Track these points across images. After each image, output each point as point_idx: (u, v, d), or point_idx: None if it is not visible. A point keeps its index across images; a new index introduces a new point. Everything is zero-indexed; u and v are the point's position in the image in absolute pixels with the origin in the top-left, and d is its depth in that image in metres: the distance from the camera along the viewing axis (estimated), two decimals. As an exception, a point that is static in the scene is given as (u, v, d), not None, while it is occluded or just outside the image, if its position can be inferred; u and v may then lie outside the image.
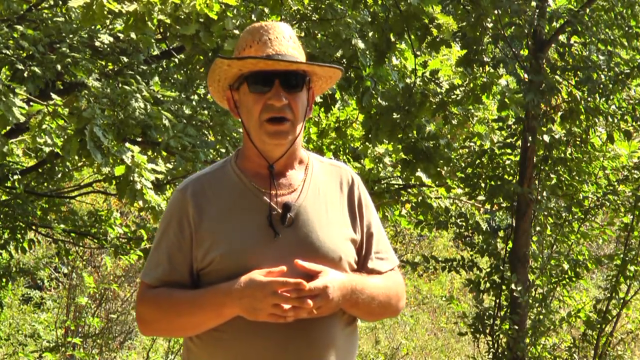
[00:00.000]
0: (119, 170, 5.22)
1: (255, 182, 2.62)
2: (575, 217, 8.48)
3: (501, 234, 8.58)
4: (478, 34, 7.55)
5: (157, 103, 5.84)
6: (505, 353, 8.11)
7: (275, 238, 2.55)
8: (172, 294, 2.57)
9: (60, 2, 6.84)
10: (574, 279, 8.39)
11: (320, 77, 2.70)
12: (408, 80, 7.99)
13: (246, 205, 2.59)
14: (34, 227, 8.75)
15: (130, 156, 5.14)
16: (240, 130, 6.77)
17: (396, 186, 9.05)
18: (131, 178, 5.14)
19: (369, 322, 2.89)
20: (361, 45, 6.61)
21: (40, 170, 8.49)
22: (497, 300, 8.25)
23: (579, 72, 7.85)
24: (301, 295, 2.45)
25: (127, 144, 5.34)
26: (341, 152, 8.95)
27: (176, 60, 7.30)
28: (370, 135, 7.64)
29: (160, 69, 7.21)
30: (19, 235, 8.42)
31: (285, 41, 2.60)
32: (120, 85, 5.68)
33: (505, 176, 8.43)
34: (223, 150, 6.25)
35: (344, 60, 6.98)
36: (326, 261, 2.57)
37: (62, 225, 8.63)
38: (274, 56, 2.56)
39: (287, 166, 2.65)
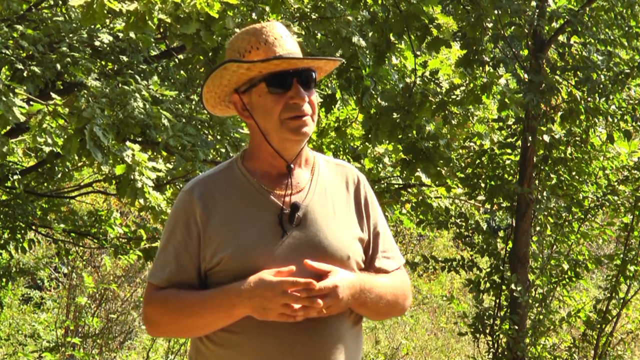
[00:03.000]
0: (120, 169, 5.22)
1: (263, 183, 2.63)
2: (575, 217, 8.48)
3: (501, 234, 8.58)
4: (478, 34, 7.55)
5: (156, 102, 5.83)
6: (505, 353, 8.11)
7: (283, 237, 2.56)
8: (180, 294, 2.57)
9: (60, 2, 6.83)
10: (574, 279, 8.40)
11: (321, 70, 2.73)
12: (408, 80, 7.99)
13: (254, 205, 2.60)
14: (34, 227, 8.75)
15: (130, 155, 5.14)
16: (242, 130, 6.79)
17: (396, 186, 9.05)
18: (132, 177, 5.14)
19: (375, 320, 2.90)
20: (362, 43, 6.61)
21: (40, 170, 8.49)
22: (497, 300, 8.25)
23: (578, 72, 7.85)
24: (311, 295, 2.46)
25: (128, 143, 5.33)
26: (341, 152, 8.95)
27: (176, 60, 7.30)
28: (370, 135, 7.65)
29: (160, 68, 7.20)
30: (19, 235, 8.41)
31: (288, 40, 2.63)
32: (119, 85, 5.68)
33: (505, 176, 8.44)
34: (223, 150, 6.25)
35: (344, 59, 6.97)
36: (334, 260, 2.57)
37: (62, 225, 8.63)
38: (286, 55, 2.58)
39: (295, 166, 2.66)
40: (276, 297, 2.44)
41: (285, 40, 2.61)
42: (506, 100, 7.86)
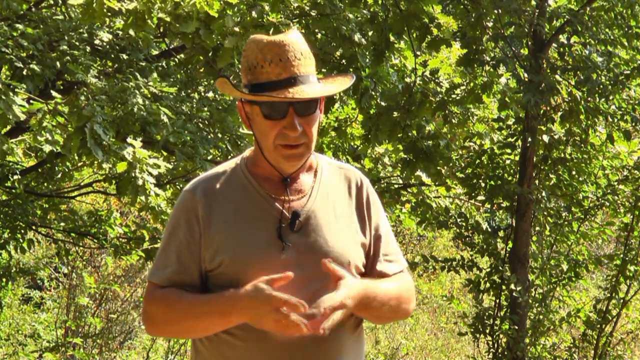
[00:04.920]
0: (121, 167, 5.22)
1: (266, 187, 2.61)
2: (575, 217, 8.48)
3: (501, 234, 8.58)
4: (478, 33, 7.55)
5: (156, 99, 5.83)
6: (505, 353, 8.11)
7: (283, 243, 2.55)
8: (181, 295, 2.55)
9: (60, 1, 6.83)
10: (573, 278, 8.40)
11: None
12: (408, 80, 7.99)
13: (256, 209, 2.59)
14: (34, 227, 8.75)
15: (131, 152, 5.14)
16: (242, 129, 6.78)
17: (396, 186, 9.05)
18: (133, 174, 5.13)
19: (377, 324, 2.87)
20: (363, 41, 6.59)
21: (40, 170, 8.50)
22: (497, 300, 8.26)
23: (578, 72, 7.85)
24: (308, 313, 2.42)
25: (129, 140, 5.33)
26: (340, 152, 8.95)
27: (176, 59, 7.31)
28: (370, 136, 7.65)
29: (160, 67, 7.21)
30: (18, 235, 8.42)
31: (298, 59, 2.53)
32: (119, 83, 5.68)
33: (505, 176, 8.44)
34: (223, 146, 6.25)
35: (344, 60, 6.97)
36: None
37: (62, 224, 8.63)
38: (288, 80, 2.49)
39: (297, 172, 2.65)
40: (269, 313, 2.43)
41: (293, 61, 2.51)
42: (506, 99, 7.87)
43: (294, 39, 2.56)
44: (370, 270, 2.68)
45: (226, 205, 2.59)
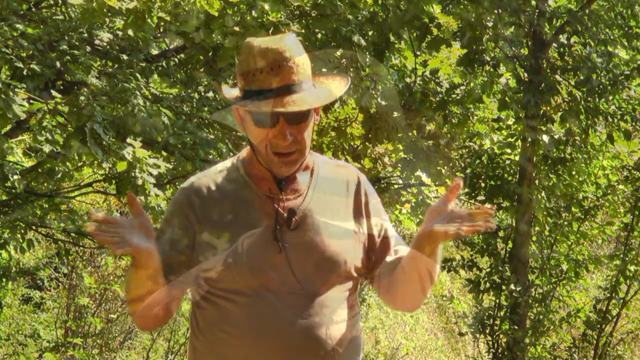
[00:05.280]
0: (121, 166, 5.22)
1: (262, 187, 2.60)
2: (575, 217, 8.49)
3: (501, 234, 8.59)
4: (478, 33, 7.56)
5: (156, 100, 5.83)
6: (505, 353, 8.12)
7: (279, 242, 2.53)
8: None
9: (60, 1, 6.83)
10: (573, 278, 8.41)
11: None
12: (408, 80, 8.00)
13: (253, 208, 2.58)
14: (34, 227, 8.74)
15: (131, 152, 5.14)
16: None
17: (396, 186, 9.05)
18: (133, 174, 5.13)
19: (413, 295, 2.75)
20: (362, 42, 6.60)
21: (40, 170, 8.49)
22: (497, 300, 8.26)
23: (578, 72, 7.86)
24: None
25: (128, 140, 5.33)
26: (340, 152, 8.94)
27: (176, 59, 7.31)
28: (370, 136, 7.66)
29: (160, 67, 7.21)
30: (18, 235, 8.41)
31: (291, 67, 2.48)
32: (120, 83, 5.67)
33: (505, 176, 8.45)
34: (224, 149, 6.25)
35: (344, 59, 6.98)
36: (331, 264, 2.56)
37: (62, 224, 8.62)
38: (281, 89, 2.46)
39: (294, 172, 2.62)
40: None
41: (286, 68, 2.47)
42: (506, 99, 7.87)
43: (289, 44, 2.51)
44: (377, 266, 2.66)
45: (222, 203, 2.58)
